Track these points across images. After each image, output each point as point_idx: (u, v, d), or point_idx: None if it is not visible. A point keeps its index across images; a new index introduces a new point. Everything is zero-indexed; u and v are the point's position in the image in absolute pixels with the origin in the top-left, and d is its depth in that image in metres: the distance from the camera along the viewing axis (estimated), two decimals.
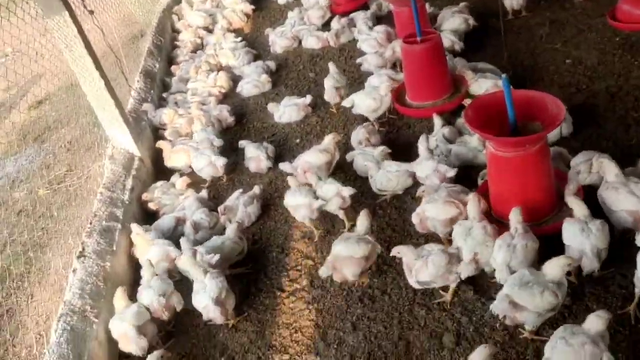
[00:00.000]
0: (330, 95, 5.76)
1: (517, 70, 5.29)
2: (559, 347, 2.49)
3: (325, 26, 7.73)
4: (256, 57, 7.65)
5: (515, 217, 3.19)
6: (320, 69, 6.86)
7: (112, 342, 3.60)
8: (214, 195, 5.12)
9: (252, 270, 4.11)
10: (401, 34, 6.22)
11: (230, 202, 4.60)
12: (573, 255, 3.01)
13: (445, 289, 3.38)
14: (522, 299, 2.85)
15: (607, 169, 3.34)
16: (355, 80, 6.23)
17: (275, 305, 3.74)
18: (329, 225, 4.30)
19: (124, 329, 3.42)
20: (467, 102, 4.78)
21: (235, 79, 7.16)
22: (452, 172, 4.05)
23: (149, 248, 4.13)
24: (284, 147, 5.57)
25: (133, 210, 4.77)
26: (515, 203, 3.32)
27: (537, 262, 3.11)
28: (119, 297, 3.60)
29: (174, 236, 4.46)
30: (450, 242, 3.51)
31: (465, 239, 3.28)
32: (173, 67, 7.95)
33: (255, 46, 8.15)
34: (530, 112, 3.35)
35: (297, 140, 5.59)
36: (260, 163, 5.12)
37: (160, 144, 5.63)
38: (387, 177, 4.30)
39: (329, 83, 5.77)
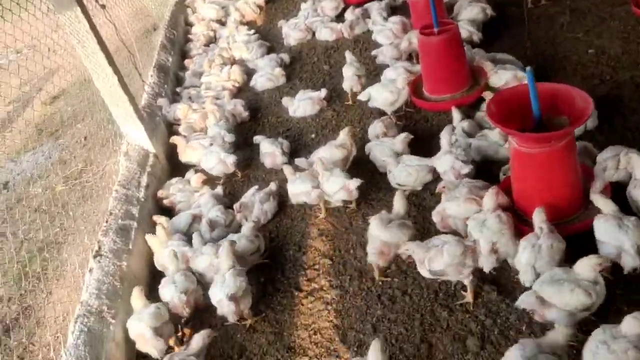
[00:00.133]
0: (351, 83, 5.66)
1: (538, 60, 5.14)
2: (601, 354, 2.39)
3: (339, 17, 7.60)
4: (270, 50, 7.56)
5: (539, 217, 3.09)
6: (335, 61, 6.75)
7: (129, 343, 3.57)
8: (230, 192, 5.06)
9: (269, 261, 4.07)
10: (417, 24, 6.09)
11: (246, 199, 4.54)
12: (609, 252, 2.91)
13: (465, 288, 3.30)
14: (550, 295, 2.78)
15: (636, 164, 3.22)
16: (371, 72, 6.12)
17: (294, 305, 3.68)
18: (346, 223, 4.22)
19: (141, 329, 3.39)
20: (486, 94, 4.66)
21: (249, 73, 7.08)
22: (466, 169, 3.96)
23: (164, 248, 4.08)
24: (299, 142, 5.49)
25: (149, 208, 4.73)
26: (540, 201, 3.22)
27: (564, 262, 3.01)
28: (136, 297, 3.57)
29: (189, 233, 4.42)
30: None
31: (480, 231, 3.20)
32: (186, 61, 7.89)
33: (269, 38, 8.05)
34: (555, 105, 3.23)
35: (313, 135, 5.50)
36: (275, 159, 5.05)
37: (174, 139, 5.58)
38: (407, 171, 4.21)
39: (349, 71, 5.68)
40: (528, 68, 2.97)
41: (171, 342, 3.56)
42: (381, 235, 3.50)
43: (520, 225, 3.31)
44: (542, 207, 3.10)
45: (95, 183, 6.24)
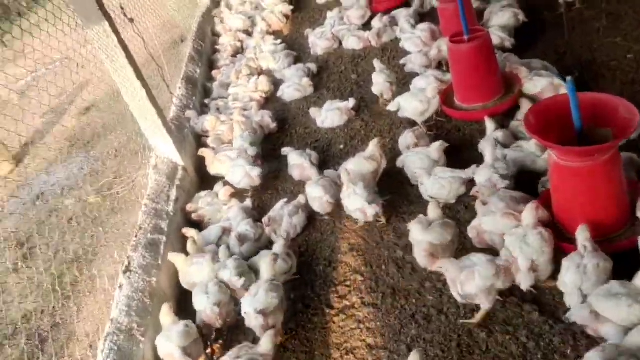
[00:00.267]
0: (382, 89, 5.59)
1: (578, 68, 4.95)
2: None
3: (366, 25, 7.52)
4: (296, 60, 7.52)
5: (582, 235, 2.95)
6: (363, 70, 6.67)
7: None
8: (259, 205, 5.01)
9: (299, 276, 3.99)
10: (446, 31, 5.97)
11: (275, 212, 4.48)
12: None
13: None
14: (605, 310, 2.65)
15: None
16: (400, 81, 6.00)
17: (325, 323, 3.59)
18: (377, 237, 4.12)
19: (170, 349, 3.34)
20: (522, 102, 4.51)
21: (276, 83, 7.06)
22: (502, 185, 3.83)
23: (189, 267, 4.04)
24: (328, 153, 5.41)
25: (178, 222, 4.71)
26: (582, 216, 3.07)
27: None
28: (165, 314, 3.54)
29: (219, 246, 4.38)
30: None
31: (520, 247, 3.06)
32: (214, 72, 7.91)
33: (295, 48, 8.02)
34: (597, 116, 3.07)
35: (341, 146, 5.42)
36: (304, 171, 4.98)
37: (203, 151, 5.57)
38: (440, 183, 4.09)
39: (380, 78, 5.59)
40: (569, 78, 2.83)
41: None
42: (427, 238, 3.42)
43: (560, 242, 3.16)
44: (586, 225, 2.96)
45: (126, 195, 6.30)
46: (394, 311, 3.49)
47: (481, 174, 3.97)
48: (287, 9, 9.20)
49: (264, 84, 6.88)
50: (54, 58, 8.05)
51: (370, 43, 7.09)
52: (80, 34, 5.34)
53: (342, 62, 7.11)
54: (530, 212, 3.15)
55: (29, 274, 5.63)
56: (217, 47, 8.82)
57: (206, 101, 7.00)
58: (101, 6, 4.67)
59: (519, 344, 2.99)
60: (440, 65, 5.95)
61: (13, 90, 9.92)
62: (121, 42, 4.79)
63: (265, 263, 3.74)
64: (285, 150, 5.22)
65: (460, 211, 4.06)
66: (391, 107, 5.19)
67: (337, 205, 4.40)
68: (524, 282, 2.99)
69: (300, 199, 4.57)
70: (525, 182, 3.95)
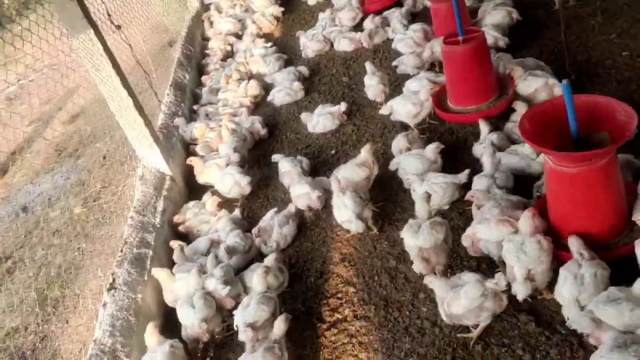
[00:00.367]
0: (376, 93, 5.49)
1: (571, 66, 4.83)
2: None
3: (358, 27, 7.40)
4: (287, 63, 7.40)
5: (575, 244, 2.85)
6: (354, 73, 6.55)
7: None
8: (248, 214, 4.89)
9: (290, 288, 3.88)
10: (439, 31, 5.86)
11: (264, 223, 4.35)
12: None
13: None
14: (607, 316, 2.54)
15: None
16: (392, 83, 5.88)
17: (316, 338, 3.47)
18: (369, 246, 4.00)
19: None
20: (517, 104, 4.39)
21: (266, 87, 6.94)
22: (498, 193, 3.68)
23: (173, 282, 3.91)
24: (319, 159, 5.29)
25: (165, 234, 4.58)
26: (578, 223, 2.97)
27: None
28: (150, 333, 3.41)
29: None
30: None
31: (517, 256, 2.95)
32: (204, 77, 7.78)
33: (286, 50, 7.90)
34: (594, 119, 2.96)
35: (333, 152, 5.30)
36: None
37: (191, 160, 5.44)
38: (432, 189, 3.96)
39: (372, 81, 5.49)
40: (564, 81, 2.71)
41: None
42: (416, 243, 3.33)
43: (557, 250, 3.04)
44: (575, 235, 2.88)
45: (114, 204, 6.17)
46: (386, 324, 3.37)
47: (479, 183, 3.85)
48: (278, 10, 9.08)
49: (254, 88, 6.76)
50: (41, 65, 7.94)
51: (362, 44, 6.97)
52: (65, 42, 5.21)
53: (333, 65, 7.00)
54: (527, 220, 3.03)
55: (12, 289, 5.50)
56: (207, 51, 8.69)
57: (195, 107, 6.87)
58: (86, 14, 4.54)
59: (515, 357, 2.88)
60: (433, 66, 5.83)
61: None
62: (107, 50, 4.67)
63: (257, 275, 3.64)
64: (275, 157, 5.10)
65: (454, 217, 3.94)
66: (383, 110, 5.08)
67: (328, 211, 4.31)
68: (520, 292, 2.88)
69: (291, 207, 4.45)
70: (520, 186, 3.84)
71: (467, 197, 3.71)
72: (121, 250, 4.14)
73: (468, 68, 4.67)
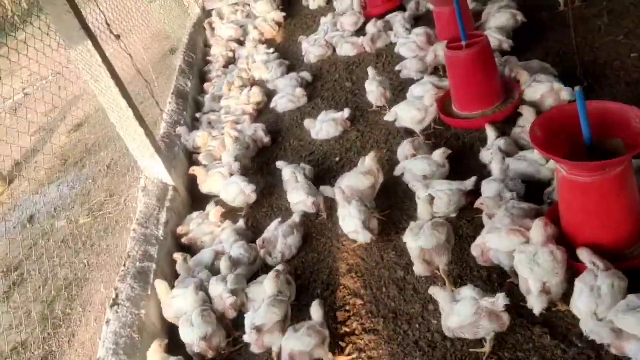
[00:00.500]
0: (376, 97, 5.45)
1: (582, 72, 4.74)
2: None
3: (360, 31, 7.34)
4: (290, 69, 7.34)
5: (586, 255, 2.77)
6: (357, 78, 6.48)
7: None
8: (253, 224, 4.82)
9: (296, 302, 3.78)
10: (442, 35, 5.80)
11: (269, 233, 4.28)
12: None
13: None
14: (628, 325, 2.47)
15: None
16: (396, 88, 5.82)
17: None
18: (377, 257, 3.92)
19: None
20: (523, 109, 4.31)
21: (269, 94, 6.87)
22: (508, 196, 3.61)
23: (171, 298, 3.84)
24: (324, 166, 5.22)
25: (168, 247, 4.51)
26: (593, 232, 2.89)
27: None
28: (154, 351, 3.34)
29: (213, 270, 4.20)
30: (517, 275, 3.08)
31: (531, 268, 2.85)
32: (206, 85, 7.73)
33: (288, 56, 7.84)
34: (607, 125, 2.87)
35: (337, 159, 5.23)
36: None
37: (194, 170, 5.37)
38: (437, 196, 3.88)
39: (372, 86, 5.45)
40: (577, 88, 2.63)
41: None
42: (418, 244, 3.29)
43: (571, 260, 2.95)
44: (587, 245, 2.81)
45: (118, 214, 6.12)
46: (396, 337, 3.29)
47: (488, 188, 3.77)
48: (280, 16, 9.03)
49: (256, 95, 6.70)
50: (45, 74, 7.91)
51: (364, 49, 6.91)
52: (63, 54, 5.16)
53: (336, 70, 6.93)
54: (539, 230, 2.94)
55: (19, 302, 5.46)
56: (209, 58, 8.64)
57: (198, 115, 6.81)
58: (84, 25, 4.48)
59: None
60: (436, 70, 5.76)
61: (3, 110, 9.80)
62: (105, 61, 4.61)
63: (268, 279, 3.58)
64: (280, 165, 5.02)
65: (462, 226, 3.86)
66: (388, 117, 5.01)
67: (334, 221, 4.24)
68: (537, 306, 2.79)
69: (295, 217, 4.38)
70: (530, 193, 3.76)
71: (477, 205, 3.63)
72: (124, 265, 4.07)
73: (472, 73, 4.59)
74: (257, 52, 7.92)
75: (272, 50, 7.92)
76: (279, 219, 4.41)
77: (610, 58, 4.88)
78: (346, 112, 5.53)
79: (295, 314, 3.69)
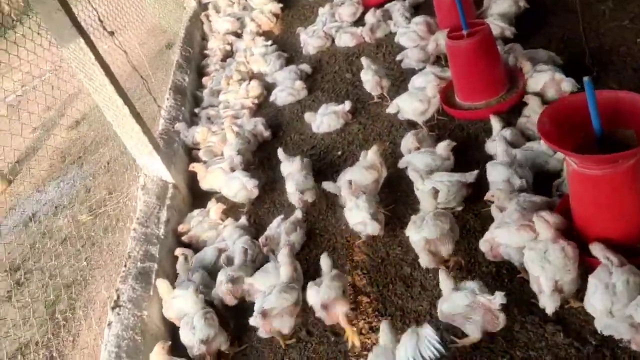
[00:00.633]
0: (372, 87, 5.38)
1: (581, 54, 4.64)
2: None
3: (359, 21, 7.21)
4: (288, 61, 7.23)
5: (599, 250, 2.69)
6: (357, 69, 6.34)
7: None
8: (255, 221, 4.74)
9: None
10: (443, 23, 5.68)
11: (271, 231, 4.21)
12: None
13: None
14: None
15: None
16: (397, 79, 5.72)
17: (331, 353, 3.32)
18: (382, 253, 3.85)
19: None
20: (529, 98, 4.21)
21: (268, 87, 6.77)
22: (518, 183, 3.54)
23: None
24: (325, 160, 5.13)
25: (169, 245, 4.44)
26: (605, 225, 2.81)
27: None
28: (156, 354, 3.28)
29: (215, 269, 4.12)
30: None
31: (542, 266, 2.77)
32: (204, 79, 7.63)
33: (287, 48, 7.72)
34: (617, 115, 2.78)
35: (339, 153, 5.14)
36: None
37: (194, 166, 5.29)
38: (437, 187, 3.78)
39: (368, 76, 5.38)
40: (586, 78, 2.53)
41: None
42: (421, 234, 3.28)
43: (583, 255, 2.87)
44: (599, 240, 2.73)
45: (119, 212, 6.04)
46: None
47: (495, 173, 3.68)
48: (277, 7, 8.90)
49: (255, 89, 6.59)
50: (43, 70, 7.80)
51: (364, 39, 6.79)
52: (55, 53, 5.06)
53: (335, 61, 6.82)
54: (543, 225, 2.86)
55: (23, 302, 5.41)
56: (206, 51, 8.52)
57: (196, 110, 6.71)
58: (75, 22, 4.37)
59: None
60: (438, 59, 5.66)
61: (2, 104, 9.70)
62: (99, 58, 4.50)
63: (284, 265, 3.55)
64: (280, 154, 4.91)
65: (469, 220, 3.77)
66: (390, 109, 4.91)
67: (337, 216, 4.17)
68: (549, 306, 2.71)
69: (297, 213, 4.30)
70: (538, 184, 3.67)
71: (487, 197, 3.53)
72: (125, 265, 4.00)
73: (474, 63, 4.49)
74: (254, 44, 7.80)
75: (270, 42, 7.79)
76: (282, 216, 4.34)
77: (616, 44, 4.77)
78: (347, 105, 5.44)
79: (301, 314, 3.63)
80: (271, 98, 6.46)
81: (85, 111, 9.14)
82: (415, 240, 3.35)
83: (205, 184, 5.21)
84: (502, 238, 3.12)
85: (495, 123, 4.18)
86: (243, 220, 4.54)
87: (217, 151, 5.59)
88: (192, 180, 5.45)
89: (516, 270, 3.21)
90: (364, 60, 5.49)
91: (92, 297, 4.99)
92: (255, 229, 4.58)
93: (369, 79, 5.37)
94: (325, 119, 5.43)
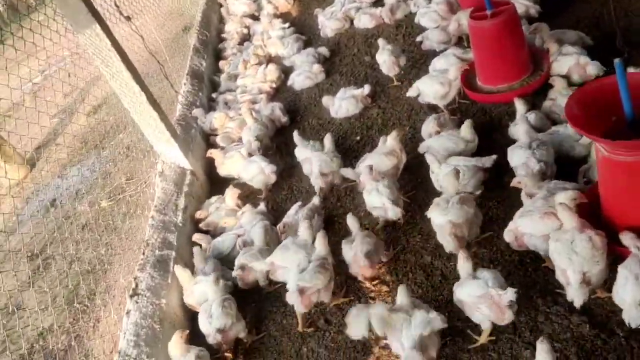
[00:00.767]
0: (389, 67, 5.32)
1: (611, 34, 4.45)
2: None
3: (378, 2, 7.05)
4: (306, 43, 7.12)
5: (630, 242, 2.58)
6: (376, 51, 6.15)
7: None
8: (273, 207, 4.70)
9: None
10: (465, 2, 5.51)
11: (289, 218, 4.16)
12: None
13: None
14: None
15: None
16: (417, 61, 5.59)
17: (349, 342, 3.27)
18: (402, 241, 3.77)
19: None
20: (555, 80, 4.07)
21: (285, 71, 6.68)
22: (537, 167, 3.44)
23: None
24: (343, 145, 5.04)
25: (187, 233, 4.42)
26: (638, 213, 2.67)
27: None
28: (175, 343, 3.27)
29: (234, 256, 4.08)
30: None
31: (569, 258, 2.66)
32: (221, 63, 7.56)
33: (304, 30, 7.61)
34: None
35: (358, 138, 5.05)
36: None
37: (211, 152, 5.25)
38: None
39: (384, 56, 5.31)
40: (617, 60, 2.40)
41: None
42: (448, 218, 3.22)
43: (611, 244, 2.75)
44: (629, 229, 2.63)
45: (138, 198, 6.06)
46: None
47: (515, 156, 3.59)
48: None
49: (272, 72, 6.50)
50: (62, 55, 7.82)
51: (383, 20, 6.65)
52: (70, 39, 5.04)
53: (354, 43, 6.69)
54: (567, 214, 2.75)
55: (44, 287, 5.47)
56: (224, 35, 8.44)
57: (214, 95, 6.66)
58: (91, 8, 4.32)
59: None
60: (460, 40, 5.50)
61: (24, 92, 9.77)
62: (115, 44, 4.46)
63: (320, 237, 3.53)
64: (296, 138, 4.84)
65: (492, 207, 3.67)
66: (410, 92, 4.81)
67: (356, 203, 4.10)
68: (577, 299, 2.61)
69: (315, 200, 4.24)
70: (564, 170, 3.55)
71: (514, 183, 3.43)
72: (143, 253, 4.00)
73: (497, 44, 4.35)
74: (272, 27, 7.70)
75: (287, 24, 7.69)
76: (299, 203, 4.29)
77: None
78: (366, 89, 5.33)
79: (318, 303, 3.58)
80: (289, 82, 6.37)
81: (105, 96, 9.16)
82: (439, 223, 3.28)
83: (223, 170, 5.18)
84: (526, 227, 3.02)
85: (519, 106, 4.05)
86: (262, 206, 4.50)
87: (234, 137, 5.54)
88: (210, 166, 5.41)
89: (540, 259, 3.12)
90: (380, 42, 5.42)
91: (113, 283, 5.03)
92: (274, 215, 4.53)
93: (385, 59, 5.28)
94: (343, 103, 5.34)
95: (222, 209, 4.56)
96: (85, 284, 5.16)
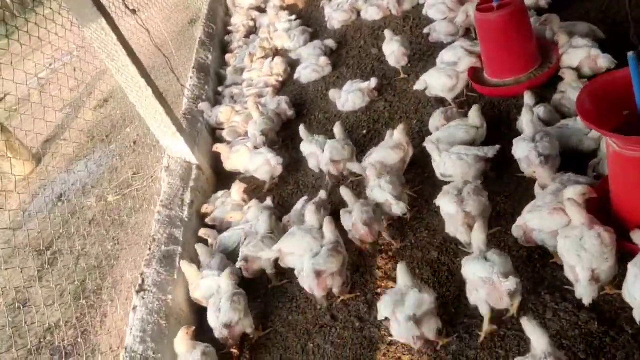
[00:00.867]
0: (397, 58, 5.25)
1: (623, 25, 4.37)
2: None
3: None
4: (313, 36, 7.07)
5: None
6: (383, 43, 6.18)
7: None
8: (279, 202, 4.68)
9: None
10: None
11: (295, 212, 4.14)
12: None
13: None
14: None
15: None
16: (424, 53, 5.53)
17: (355, 339, 3.26)
18: (410, 236, 3.73)
19: None
20: (565, 73, 4.00)
21: (292, 64, 6.63)
22: (537, 160, 3.37)
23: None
24: (350, 139, 4.97)
25: (193, 228, 4.41)
26: None
27: None
28: (180, 339, 3.26)
29: (238, 251, 4.08)
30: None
31: (578, 254, 2.62)
32: (227, 56, 7.53)
33: (311, 22, 7.56)
34: None
35: (364, 131, 5.01)
36: (319, 159, 4.56)
37: (217, 147, 5.23)
38: (452, 160, 3.69)
39: (392, 47, 5.23)
40: (630, 53, 2.34)
41: None
42: (463, 208, 3.16)
43: (622, 241, 2.71)
44: (638, 228, 2.58)
45: (145, 192, 6.06)
46: None
47: (518, 148, 3.55)
48: None
49: (279, 66, 6.47)
50: (68, 49, 7.81)
51: (390, 12, 6.59)
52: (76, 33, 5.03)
53: (361, 36, 6.63)
54: (576, 210, 2.70)
55: (52, 282, 5.49)
56: (230, 28, 8.40)
57: (220, 89, 6.64)
58: (96, 1, 4.29)
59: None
60: (468, 32, 5.44)
61: (30, 87, 9.79)
62: (121, 38, 4.44)
63: (327, 223, 3.53)
64: (302, 131, 4.79)
65: (500, 202, 3.62)
66: (417, 86, 4.75)
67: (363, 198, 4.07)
68: (586, 297, 2.57)
69: (321, 194, 4.21)
70: (572, 164, 3.49)
71: (529, 174, 3.38)
72: (149, 249, 3.99)
73: (503, 37, 4.28)
74: (278, 19, 7.65)
75: (293, 17, 7.64)
76: (305, 197, 4.27)
77: None
78: (373, 82, 5.28)
79: (329, 302, 3.57)
80: (295, 76, 6.34)
81: (112, 90, 9.16)
82: (451, 212, 3.23)
83: (229, 164, 5.16)
84: (535, 223, 2.98)
85: (528, 99, 3.99)
86: (268, 201, 4.48)
87: (241, 131, 5.52)
88: (216, 161, 5.40)
89: (549, 255, 3.08)
90: (386, 33, 5.36)
91: (120, 277, 5.04)
92: (280, 210, 4.51)
93: (394, 49, 5.22)
94: (350, 97, 5.29)
95: (229, 204, 4.54)
96: (92, 279, 5.18)
